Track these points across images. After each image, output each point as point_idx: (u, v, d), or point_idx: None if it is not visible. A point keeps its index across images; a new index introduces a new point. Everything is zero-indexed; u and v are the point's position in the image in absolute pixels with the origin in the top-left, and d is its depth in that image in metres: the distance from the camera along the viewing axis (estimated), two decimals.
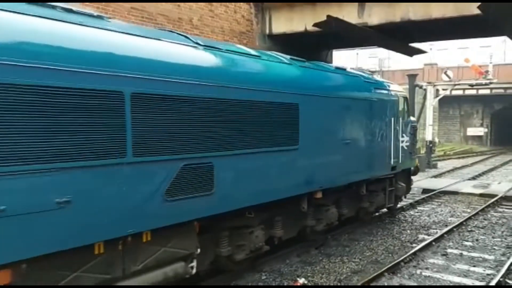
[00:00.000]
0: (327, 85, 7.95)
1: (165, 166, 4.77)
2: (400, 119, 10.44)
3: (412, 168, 11.83)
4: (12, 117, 3.48)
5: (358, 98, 8.69)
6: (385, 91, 9.94)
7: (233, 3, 12.76)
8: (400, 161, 10.44)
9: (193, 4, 11.38)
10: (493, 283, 6.74)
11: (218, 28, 12.22)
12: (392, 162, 10.05)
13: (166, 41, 5.14)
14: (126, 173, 4.38)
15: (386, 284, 6.85)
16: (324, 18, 11.59)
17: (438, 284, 6.89)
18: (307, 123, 6.94)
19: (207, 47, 5.69)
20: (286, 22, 13.72)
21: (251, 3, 13.48)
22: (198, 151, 5.12)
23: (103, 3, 9.02)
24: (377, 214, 11.09)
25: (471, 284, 6.91)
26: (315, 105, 7.18)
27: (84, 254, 4.24)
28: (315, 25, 12.14)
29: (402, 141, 10.54)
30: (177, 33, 5.75)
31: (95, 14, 4.67)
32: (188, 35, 5.81)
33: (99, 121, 4.09)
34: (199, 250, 5.57)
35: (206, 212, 5.37)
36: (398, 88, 11.12)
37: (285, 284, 6.78)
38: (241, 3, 13.09)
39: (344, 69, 9.23)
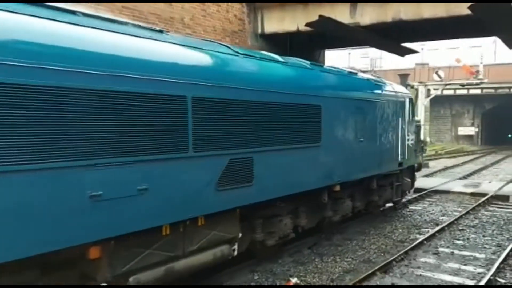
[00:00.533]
0: (344, 88, 8.65)
1: (217, 160, 5.52)
2: (406, 118, 11.15)
3: (416, 165, 12.56)
4: (107, 119, 4.21)
5: (370, 100, 9.39)
6: (393, 93, 10.65)
7: (225, 3, 12.72)
8: (406, 158, 11.16)
9: (185, 3, 11.33)
10: (483, 281, 6.78)
11: (210, 27, 12.18)
12: (399, 159, 10.77)
13: (214, 51, 5.87)
14: (187, 166, 5.12)
15: (378, 283, 6.87)
16: (316, 17, 11.61)
17: (429, 282, 6.92)
18: (328, 123, 7.68)
19: (245, 56, 6.47)
20: (278, 22, 13.71)
21: (243, 3, 13.45)
22: (242, 147, 5.87)
23: (95, 2, 8.94)
24: (384, 207, 11.76)
25: (462, 282, 6.95)
26: (334, 106, 7.92)
27: (155, 235, 4.98)
28: (307, 24, 12.15)
29: (408, 139, 11.25)
30: (218, 43, 6.48)
31: (157, 28, 5.44)
32: (228, 45, 6.54)
33: (168, 121, 4.81)
34: (240, 235, 6.34)
35: (247, 200, 6.13)
36: (404, 90, 11.84)
37: (278, 284, 6.78)
38: (233, 3, 13.05)
39: (356, 73, 9.99)
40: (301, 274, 7.16)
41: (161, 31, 5.38)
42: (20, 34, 3.68)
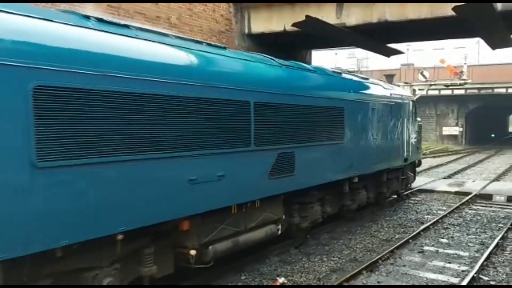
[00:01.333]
0: (360, 92, 9.78)
1: (270, 154, 6.69)
2: (411, 119, 12.58)
3: (416, 161, 14.07)
4: (200, 119, 5.34)
5: (382, 102, 10.57)
6: (399, 96, 12.02)
7: (211, 2, 12.66)
8: (410, 154, 12.54)
9: (171, 3, 11.25)
10: (467, 279, 6.87)
11: (196, 27, 12.13)
12: (405, 155, 12.14)
13: (264, 63, 7.19)
14: (249, 158, 6.27)
15: (364, 282, 6.91)
16: (303, 18, 11.64)
17: (415, 280, 6.98)
18: (349, 123, 8.85)
19: (286, 66, 7.74)
20: (265, 22, 13.72)
21: (230, 3, 13.41)
22: (287, 143, 7.01)
23: (83, 2, 8.81)
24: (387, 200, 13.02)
25: (446, 280, 7.03)
26: (354, 108, 9.09)
27: (226, 213, 6.18)
28: (294, 25, 12.17)
29: (411, 138, 12.60)
30: (262, 56, 7.65)
31: (222, 46, 6.68)
32: (272, 57, 7.72)
33: (237, 121, 5.96)
34: (284, 217, 7.61)
35: (289, 188, 7.28)
36: (409, 93, 13.22)
37: (265, 284, 6.78)
38: (220, 2, 13.00)
39: (367, 78, 11.33)
40: (288, 273, 7.17)
41: (224, 48, 6.56)
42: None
